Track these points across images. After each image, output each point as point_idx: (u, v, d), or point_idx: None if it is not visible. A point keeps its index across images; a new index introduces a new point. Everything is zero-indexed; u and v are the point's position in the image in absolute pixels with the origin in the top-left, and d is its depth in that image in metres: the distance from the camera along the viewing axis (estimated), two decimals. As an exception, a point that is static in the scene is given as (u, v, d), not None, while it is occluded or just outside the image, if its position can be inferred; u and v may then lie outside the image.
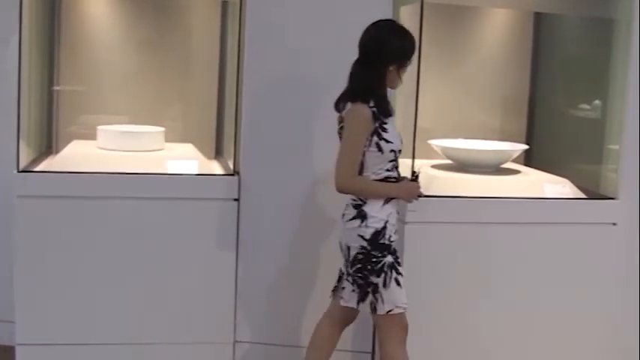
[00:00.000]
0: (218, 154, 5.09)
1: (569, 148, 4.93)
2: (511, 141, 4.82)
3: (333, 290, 3.82)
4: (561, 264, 4.30)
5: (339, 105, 3.61)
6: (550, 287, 4.31)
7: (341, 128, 3.59)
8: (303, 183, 4.39)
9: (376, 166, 3.55)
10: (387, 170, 3.57)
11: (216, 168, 4.72)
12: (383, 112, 3.52)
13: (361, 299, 3.61)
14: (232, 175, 4.42)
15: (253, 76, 4.35)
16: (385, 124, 3.51)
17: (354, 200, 3.57)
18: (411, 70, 4.00)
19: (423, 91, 4.12)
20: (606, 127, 4.50)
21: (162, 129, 4.74)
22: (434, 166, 4.55)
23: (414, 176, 3.68)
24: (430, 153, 4.57)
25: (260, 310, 4.50)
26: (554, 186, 4.36)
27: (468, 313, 4.23)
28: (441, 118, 4.93)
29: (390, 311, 3.57)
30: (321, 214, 4.39)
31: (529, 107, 5.16)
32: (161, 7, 5.00)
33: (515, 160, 4.68)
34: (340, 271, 3.77)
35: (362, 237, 3.54)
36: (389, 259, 3.55)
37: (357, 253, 3.55)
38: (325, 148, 4.29)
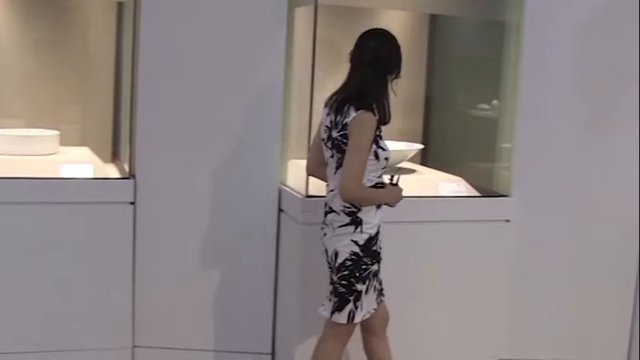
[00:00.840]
0: (115, 157, 5.03)
1: (464, 147, 5.02)
2: (407, 141, 4.86)
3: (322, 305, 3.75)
4: (457, 261, 4.36)
5: (337, 108, 3.54)
6: (446, 283, 4.37)
7: (342, 135, 3.49)
8: (201, 185, 4.35)
9: (371, 174, 3.54)
10: (378, 177, 3.59)
11: (112, 171, 4.66)
12: (382, 120, 3.54)
13: (338, 309, 3.59)
14: (128, 178, 4.36)
15: (148, 78, 4.29)
16: (381, 131, 3.55)
17: (347, 207, 3.53)
18: (305, 71, 4.04)
19: (318, 92, 4.13)
20: (499, 126, 4.59)
21: (56, 132, 4.65)
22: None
23: (395, 181, 3.69)
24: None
25: (160, 314, 4.44)
26: (449, 184, 4.43)
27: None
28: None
29: (363, 316, 3.63)
30: (220, 215, 4.37)
31: (425, 107, 5.23)
32: (56, 7, 4.89)
33: (411, 160, 4.74)
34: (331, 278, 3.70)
35: (355, 242, 3.53)
36: (375, 267, 3.58)
37: (346, 259, 3.53)
38: (222, 150, 4.31)
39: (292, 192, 4.24)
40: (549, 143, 4.54)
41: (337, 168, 3.54)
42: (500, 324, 4.54)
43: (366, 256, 3.54)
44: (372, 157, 3.50)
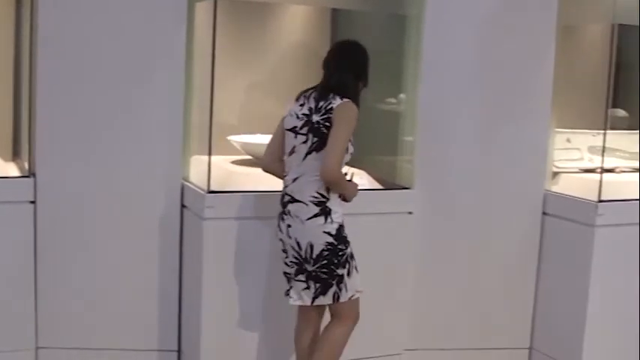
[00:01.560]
0: (16, 155, 4.92)
1: (368, 141, 5.03)
2: (311, 135, 4.88)
3: (287, 294, 3.85)
4: (361, 253, 4.36)
5: (319, 95, 3.72)
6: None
7: (325, 119, 3.63)
8: (102, 182, 4.31)
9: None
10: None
11: (13, 170, 4.56)
12: None
13: (321, 293, 3.72)
14: (28, 176, 4.28)
15: (46, 75, 4.22)
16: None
17: (316, 197, 3.65)
18: (206, 66, 4.03)
19: (221, 88, 4.13)
20: (400, 119, 4.65)
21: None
22: (234, 162, 4.56)
23: (349, 178, 3.82)
24: (230, 149, 4.58)
25: (64, 314, 4.38)
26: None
27: (271, 307, 4.27)
28: (241, 115, 4.96)
29: (352, 297, 3.77)
30: (122, 212, 4.33)
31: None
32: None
33: (315, 154, 4.75)
34: (286, 273, 3.83)
35: (328, 233, 3.66)
36: (349, 249, 3.75)
37: (323, 250, 3.65)
38: (123, 146, 4.27)
39: (195, 188, 4.23)
40: (450, 135, 4.62)
41: (308, 154, 3.66)
42: (406, 315, 4.60)
43: (340, 244, 3.70)
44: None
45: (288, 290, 3.84)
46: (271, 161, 3.92)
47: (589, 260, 4.48)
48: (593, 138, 5.03)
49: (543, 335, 4.83)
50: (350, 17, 5.20)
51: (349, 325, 3.87)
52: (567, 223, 4.63)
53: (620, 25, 5.32)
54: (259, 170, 4.40)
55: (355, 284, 3.80)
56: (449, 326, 4.75)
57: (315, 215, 3.65)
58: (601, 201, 4.44)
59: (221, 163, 4.45)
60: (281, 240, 3.80)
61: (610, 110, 5.58)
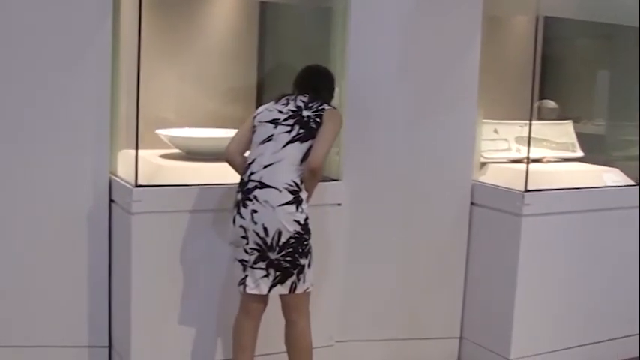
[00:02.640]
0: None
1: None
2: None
3: (242, 283, 3.87)
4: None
5: (310, 97, 3.97)
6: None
7: (317, 115, 3.87)
8: (28, 177, 4.25)
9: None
10: None
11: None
12: None
13: (279, 282, 3.80)
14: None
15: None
16: None
17: (291, 185, 3.77)
18: (132, 60, 4.00)
19: (149, 81, 4.11)
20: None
21: None
22: (162, 156, 4.54)
23: None
24: (158, 143, 4.55)
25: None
26: (280, 170, 4.45)
27: (200, 300, 4.26)
28: (169, 108, 4.94)
29: (307, 289, 3.89)
30: (49, 207, 4.29)
31: (257, 94, 5.25)
32: None
33: (245, 147, 4.75)
34: (243, 261, 3.85)
35: (297, 222, 3.76)
36: (311, 241, 3.86)
37: (290, 238, 3.74)
38: (50, 141, 4.23)
39: (122, 182, 4.20)
40: (378, 127, 4.65)
41: (290, 142, 3.82)
42: (335, 306, 4.62)
43: (305, 234, 3.81)
44: None
45: (244, 279, 3.85)
46: (236, 152, 4.00)
47: (516, 249, 4.54)
48: (520, 129, 5.11)
49: (473, 324, 4.89)
50: (277, 10, 5.20)
51: (307, 315, 3.98)
52: (495, 213, 4.69)
53: (546, 17, 5.42)
54: (188, 164, 4.42)
55: (311, 277, 3.91)
56: (379, 317, 4.78)
57: (288, 203, 3.74)
58: (527, 191, 4.51)
59: (149, 157, 4.42)
60: (241, 227, 3.79)
61: (540, 102, 5.69)
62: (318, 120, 3.85)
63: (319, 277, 4.46)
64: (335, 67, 4.53)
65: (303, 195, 3.83)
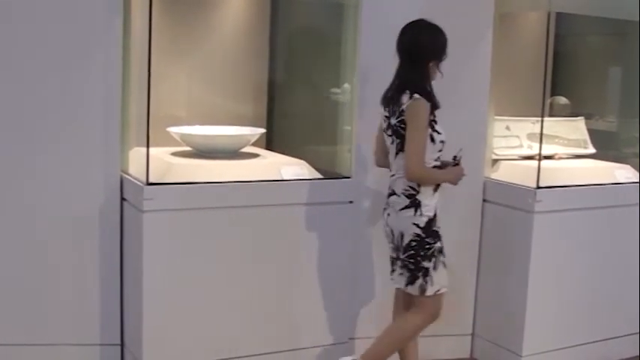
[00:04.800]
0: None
1: (308, 130, 5.07)
2: (252, 125, 4.88)
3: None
4: (302, 243, 4.40)
5: (392, 98, 3.90)
6: (292, 265, 4.40)
7: (400, 121, 3.83)
8: (40, 175, 4.25)
9: (427, 156, 3.86)
10: (435, 160, 3.93)
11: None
12: (433, 105, 3.86)
13: (410, 282, 3.95)
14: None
15: None
16: (435, 116, 3.87)
17: (407, 190, 3.88)
18: (143, 58, 4.00)
19: (160, 78, 4.12)
20: (340, 108, 4.66)
21: None
22: (173, 154, 4.53)
23: (457, 161, 4.00)
24: (169, 141, 4.55)
25: (3, 309, 4.32)
26: (292, 168, 4.44)
27: (212, 298, 4.24)
28: (180, 106, 4.93)
29: (437, 291, 3.98)
30: (61, 205, 4.28)
31: (269, 91, 5.24)
32: None
33: (256, 144, 4.75)
34: (391, 256, 4.06)
35: (417, 225, 3.88)
36: (438, 244, 3.95)
37: (411, 240, 3.88)
38: (61, 139, 4.25)
39: (134, 180, 4.20)
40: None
41: (397, 153, 3.90)
42: (347, 304, 4.60)
43: (428, 237, 3.90)
44: (428, 140, 3.84)
45: (393, 271, 4.09)
46: (379, 157, 4.16)
47: (528, 246, 4.54)
48: (532, 125, 5.10)
49: (485, 321, 4.89)
50: (289, 6, 5.19)
51: (426, 319, 4.06)
52: (507, 210, 4.69)
53: (558, 13, 5.40)
54: (199, 161, 4.42)
55: (441, 279, 3.98)
56: (391, 314, 4.74)
57: (406, 207, 3.88)
58: (539, 187, 4.50)
59: (161, 154, 4.42)
60: (385, 228, 4.05)
61: (552, 98, 5.67)
62: (403, 125, 3.84)
63: (329, 274, 4.48)
64: (346, 65, 4.53)
65: (423, 197, 3.89)
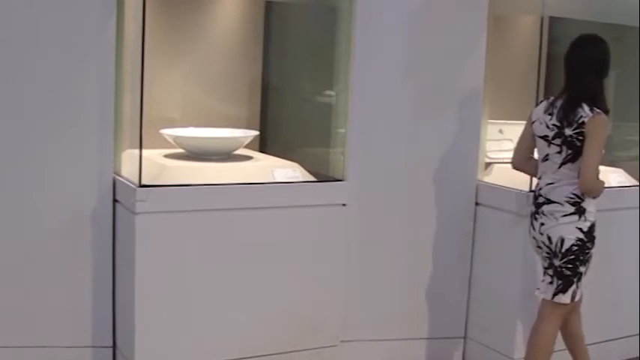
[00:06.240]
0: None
1: (301, 133, 5.07)
2: (245, 127, 4.89)
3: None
4: (296, 246, 4.40)
5: (566, 109, 3.97)
6: (286, 268, 4.39)
7: (577, 133, 3.91)
8: (30, 177, 4.23)
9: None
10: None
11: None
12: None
13: (561, 291, 4.04)
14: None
15: None
16: None
17: (572, 197, 3.97)
18: (135, 59, 4.00)
19: (153, 80, 4.12)
20: (333, 111, 4.66)
21: None
22: (166, 156, 4.53)
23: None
24: (162, 142, 4.55)
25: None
26: (285, 170, 4.44)
27: (204, 300, 4.23)
28: (174, 108, 4.93)
29: (579, 295, 4.13)
30: (53, 207, 4.27)
31: (262, 93, 5.24)
32: None
33: (249, 147, 4.76)
34: (544, 267, 4.16)
35: (580, 230, 3.98)
36: (592, 250, 4.06)
37: (572, 245, 3.97)
38: (53, 141, 4.23)
39: (126, 182, 4.19)
40: (383, 127, 4.66)
41: (563, 163, 3.99)
42: (340, 306, 4.60)
43: (589, 242, 4.01)
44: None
45: (542, 281, 4.18)
46: (521, 160, 4.30)
47: (520, 249, 4.54)
48: (525, 129, 5.10)
49: (477, 324, 4.89)
50: (283, 9, 5.19)
51: (562, 320, 4.20)
52: (499, 213, 4.69)
53: (552, 17, 5.41)
54: (192, 164, 4.42)
55: (582, 284, 4.12)
56: (384, 317, 4.78)
57: (571, 214, 3.98)
58: (532, 191, 4.50)
59: (154, 156, 4.42)
60: (534, 238, 4.14)
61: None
62: (580, 137, 3.92)
63: (323, 277, 4.48)
64: (340, 68, 4.53)
65: (587, 204, 3.99)
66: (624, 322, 5.03)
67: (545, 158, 4.08)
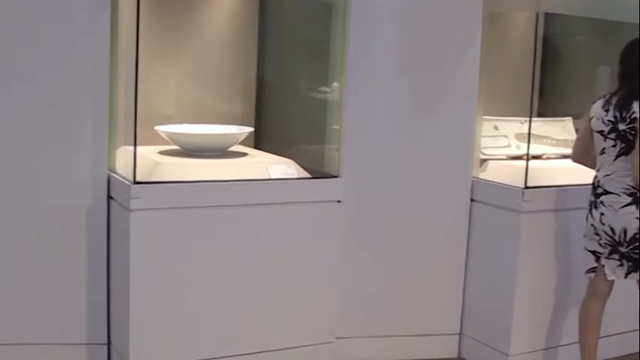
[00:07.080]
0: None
1: (296, 129, 5.06)
2: (240, 124, 4.88)
3: (592, 270, 4.38)
4: (291, 242, 4.40)
5: (621, 105, 4.16)
6: (281, 265, 4.39)
7: (630, 127, 4.10)
8: (28, 174, 4.23)
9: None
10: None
11: None
12: None
13: (633, 270, 4.25)
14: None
15: None
16: None
17: (629, 189, 4.16)
18: (130, 55, 3.99)
19: (148, 77, 4.12)
20: (328, 107, 4.65)
21: None
22: (161, 152, 4.53)
23: None
24: (157, 139, 4.54)
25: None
26: (279, 167, 4.44)
27: (199, 297, 4.23)
28: (168, 104, 4.92)
29: None
30: (47, 202, 4.27)
31: (257, 89, 5.24)
32: None
33: (244, 143, 4.74)
34: (596, 253, 4.32)
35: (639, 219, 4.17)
36: None
37: (636, 234, 4.15)
38: (48, 137, 4.23)
39: (121, 179, 4.18)
40: (378, 123, 4.65)
41: (618, 156, 4.18)
42: (335, 303, 4.60)
43: None
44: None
45: (594, 268, 4.35)
46: (580, 155, 4.49)
47: (516, 246, 4.54)
48: (520, 125, 5.10)
49: (473, 321, 4.89)
50: (278, 5, 5.19)
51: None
52: (495, 210, 4.69)
53: (547, 13, 5.41)
54: (186, 160, 4.41)
55: None
56: (379, 313, 4.78)
57: (628, 204, 4.16)
58: (527, 187, 4.51)
59: (148, 153, 4.41)
60: (592, 225, 4.29)
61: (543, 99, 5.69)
62: (632, 132, 4.11)
63: (317, 273, 4.48)
64: (335, 64, 4.52)
65: None
66: (621, 318, 5.00)
67: (602, 151, 4.26)
